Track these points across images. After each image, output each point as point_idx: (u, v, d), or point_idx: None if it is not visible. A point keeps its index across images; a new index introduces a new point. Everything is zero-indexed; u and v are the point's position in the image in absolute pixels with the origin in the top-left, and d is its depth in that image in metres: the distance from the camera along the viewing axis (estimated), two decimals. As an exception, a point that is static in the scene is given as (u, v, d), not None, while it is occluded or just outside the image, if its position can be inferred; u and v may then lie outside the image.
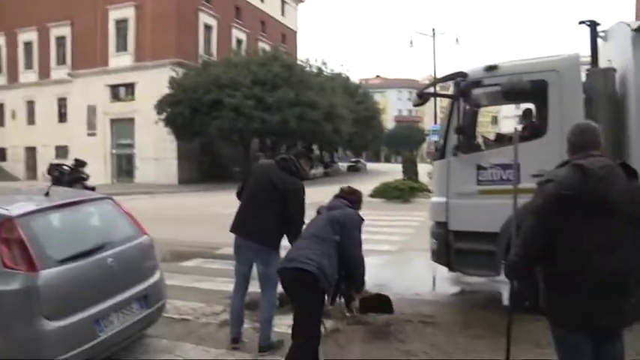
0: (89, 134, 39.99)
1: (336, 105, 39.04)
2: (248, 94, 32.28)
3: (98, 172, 38.36)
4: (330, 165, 52.99)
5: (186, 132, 34.01)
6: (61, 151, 39.52)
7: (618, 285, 2.80)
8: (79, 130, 40.08)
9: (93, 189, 8.48)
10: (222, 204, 14.98)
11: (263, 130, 33.69)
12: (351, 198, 4.59)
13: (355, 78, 59.77)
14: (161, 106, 34.15)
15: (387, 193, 21.18)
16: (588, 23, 5.94)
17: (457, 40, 37.76)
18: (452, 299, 7.01)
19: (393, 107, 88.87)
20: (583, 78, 6.02)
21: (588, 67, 6.12)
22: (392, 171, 34.58)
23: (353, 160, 61.93)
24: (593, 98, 5.81)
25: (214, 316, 6.00)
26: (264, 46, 45.25)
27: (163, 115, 34.31)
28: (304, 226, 4.61)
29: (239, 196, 5.18)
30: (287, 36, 54.01)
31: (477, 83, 6.10)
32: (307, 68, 41.81)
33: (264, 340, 4.91)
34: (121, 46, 39.82)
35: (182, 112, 32.80)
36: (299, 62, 41.99)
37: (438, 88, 7.87)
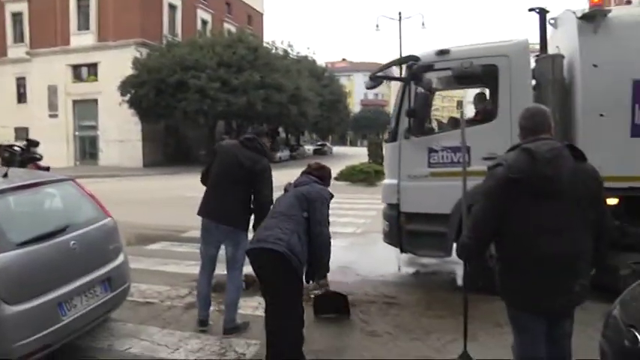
0: (51, 115, 38.91)
1: (302, 88, 38.98)
2: (213, 76, 31.93)
3: (61, 155, 37.52)
4: (296, 148, 52.92)
5: (150, 114, 33.48)
6: (21, 132, 38.26)
7: (567, 267, 2.86)
8: (39, 111, 38.92)
9: (47, 169, 8.29)
10: (187, 187, 14.86)
11: (229, 112, 33.43)
12: (320, 174, 4.49)
13: (321, 61, 59.83)
14: (125, 87, 33.49)
15: (353, 176, 21.40)
16: (537, 10, 6.08)
17: (423, 24, 38.00)
18: (415, 280, 7.14)
19: (359, 91, 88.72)
20: (533, 64, 6.17)
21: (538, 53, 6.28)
22: (358, 154, 34.74)
23: (319, 143, 61.93)
24: (541, 83, 5.98)
25: (179, 299, 5.98)
26: (229, 27, 44.68)
27: (127, 97, 33.67)
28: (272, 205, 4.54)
29: (204, 180, 5.13)
30: (253, 18, 53.36)
31: (429, 67, 6.18)
32: (273, 51, 41.52)
33: (229, 322, 4.93)
34: (83, 25, 38.68)
35: (146, 94, 32.25)
36: (265, 44, 41.63)
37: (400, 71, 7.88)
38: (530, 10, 6.12)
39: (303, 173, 4.52)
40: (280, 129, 52.17)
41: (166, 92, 32.10)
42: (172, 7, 40.97)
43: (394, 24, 35.61)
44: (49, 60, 38.45)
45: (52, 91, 38.81)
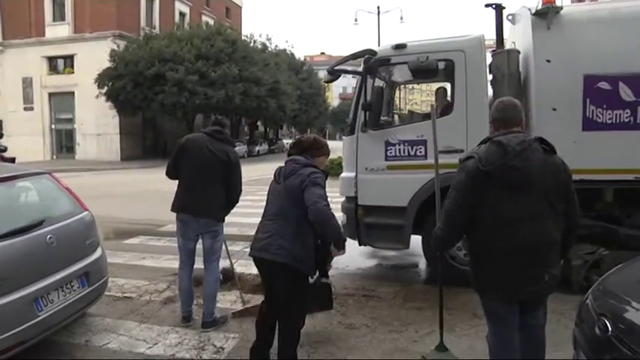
0: (26, 108, 38.21)
1: (281, 81, 38.87)
2: (191, 68, 31.70)
3: (37, 149, 36.99)
4: (274, 142, 52.76)
5: (128, 107, 33.12)
6: (-5, 125, 37.70)
7: (538, 256, 2.96)
8: (14, 104, 38.19)
9: (12, 160, 8.15)
10: (165, 181, 14.64)
11: (207, 105, 33.19)
12: (300, 149, 3.97)
13: (300, 55, 59.52)
14: (102, 79, 33.06)
15: (331, 170, 21.36)
16: (493, 6, 6.19)
17: (402, 18, 37.83)
18: (394, 273, 7.19)
19: (338, 84, 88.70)
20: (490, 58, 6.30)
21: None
22: (336, 148, 34.30)
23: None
24: (497, 78, 6.09)
25: (158, 294, 5.96)
26: (207, 20, 44.32)
27: (105, 89, 33.25)
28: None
29: (171, 174, 5.11)
30: (231, 10, 52.97)
31: (386, 61, 6.28)
32: (252, 44, 41.29)
33: (208, 315, 4.93)
34: (58, 16, 38.00)
35: (124, 87, 31.89)
36: (243, 38, 41.38)
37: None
38: (487, 5, 6.25)
39: (287, 160, 3.95)
40: (259, 123, 51.99)
41: (144, 85, 31.79)
42: (150, -1, 40.51)
43: (373, 18, 35.72)
44: (23, 51, 37.71)
45: (27, 83, 38.09)
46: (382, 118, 6.86)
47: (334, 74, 6.83)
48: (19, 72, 37.83)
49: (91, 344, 4.63)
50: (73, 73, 37.23)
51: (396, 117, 7.79)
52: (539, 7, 5.67)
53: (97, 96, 33.53)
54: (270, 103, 36.87)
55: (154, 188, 16.77)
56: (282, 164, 3.92)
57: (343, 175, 6.69)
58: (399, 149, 6.15)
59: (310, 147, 3.96)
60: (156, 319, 5.17)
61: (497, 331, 3.20)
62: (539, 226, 2.94)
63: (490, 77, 6.20)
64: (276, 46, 49.26)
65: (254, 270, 6.77)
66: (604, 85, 5.50)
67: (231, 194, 4.93)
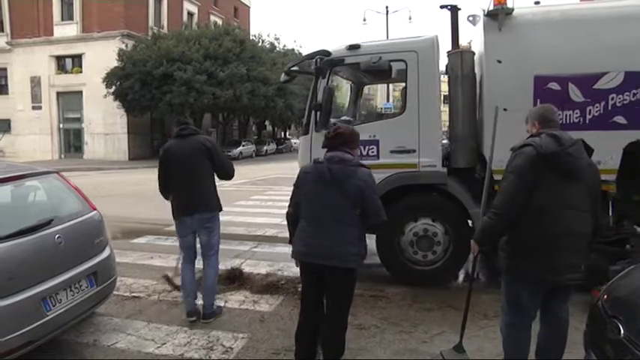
0: (34, 107, 38.33)
1: (289, 81, 38.67)
2: (199, 68, 31.67)
3: (45, 148, 37.17)
4: (282, 142, 52.79)
5: (136, 106, 33.15)
6: (3, 124, 37.80)
7: (579, 244, 3.19)
8: (22, 103, 38.36)
9: None
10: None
11: (214, 105, 33.20)
12: (341, 141, 3.78)
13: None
14: (110, 79, 33.13)
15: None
16: (449, 7, 6.23)
17: (410, 17, 37.91)
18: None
19: (345, 84, 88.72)
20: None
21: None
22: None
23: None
24: (451, 79, 6.14)
25: (166, 293, 5.96)
26: (216, 19, 44.35)
27: (112, 89, 33.33)
28: (310, 198, 3.77)
29: (163, 189, 5.24)
30: (239, 10, 53.00)
31: (340, 61, 6.30)
32: (260, 44, 41.29)
33: (208, 307, 5.08)
34: (67, 15, 38.08)
35: (132, 86, 31.93)
36: (251, 37, 41.39)
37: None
38: (442, 7, 6.32)
39: (328, 158, 3.73)
40: (267, 122, 52.00)
41: (152, 84, 31.80)
42: (158, -1, 40.59)
43: (382, 18, 35.68)
44: (32, 51, 37.85)
45: (36, 82, 38.21)
46: (345, 117, 6.95)
47: (290, 75, 6.96)
48: (27, 71, 37.97)
49: (99, 344, 4.63)
50: (81, 72, 37.31)
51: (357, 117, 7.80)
52: (491, 8, 5.71)
53: (105, 95, 33.60)
54: (277, 103, 36.83)
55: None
56: (321, 159, 3.78)
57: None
58: None
59: (350, 139, 3.84)
60: (164, 319, 5.17)
61: (514, 322, 3.43)
62: (579, 215, 3.18)
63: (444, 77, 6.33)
64: (284, 45, 49.23)
65: (262, 270, 6.85)
66: (554, 85, 5.55)
67: (224, 170, 5.11)
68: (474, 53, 6.11)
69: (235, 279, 6.31)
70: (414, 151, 5.95)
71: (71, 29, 37.62)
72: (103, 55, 34.03)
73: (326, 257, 3.62)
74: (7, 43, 39.10)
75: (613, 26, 5.49)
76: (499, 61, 5.68)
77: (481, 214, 4.16)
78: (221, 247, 7.01)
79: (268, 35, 46.03)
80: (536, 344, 3.62)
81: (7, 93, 39.87)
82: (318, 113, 6.18)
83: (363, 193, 3.60)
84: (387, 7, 35.64)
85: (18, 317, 3.68)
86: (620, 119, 5.41)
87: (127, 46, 34.60)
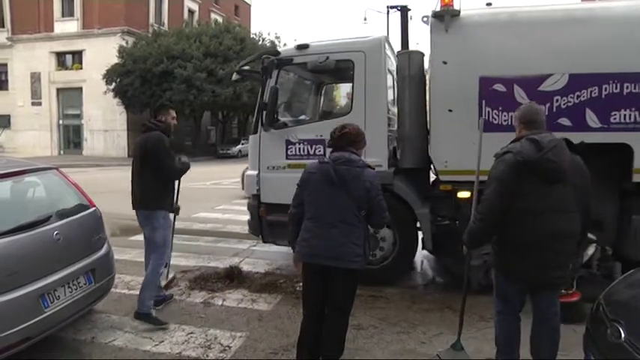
0: (34, 103, 38.31)
1: (289, 79, 38.65)
2: (199, 66, 31.64)
3: (44, 144, 37.12)
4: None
5: (136, 103, 33.11)
6: (3, 120, 37.75)
7: (564, 245, 3.27)
8: (22, 98, 38.33)
9: None
10: (173, 178, 14.75)
11: (214, 103, 33.18)
12: (348, 141, 3.74)
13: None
14: (110, 75, 33.11)
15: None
16: (399, 8, 6.20)
17: (411, 17, 37.69)
18: (400, 274, 7.14)
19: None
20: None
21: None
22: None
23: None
24: (399, 79, 6.18)
25: (164, 291, 5.93)
26: (216, 17, 44.33)
27: (112, 86, 33.31)
28: (316, 198, 3.71)
29: None
30: (240, 8, 52.96)
31: (288, 61, 6.37)
32: (260, 42, 41.24)
33: (140, 305, 4.89)
34: (67, 11, 38.05)
35: (132, 83, 31.91)
36: (252, 36, 41.35)
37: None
38: (391, 7, 6.32)
39: (334, 159, 3.69)
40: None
41: (152, 82, 31.78)
42: (159, -4, 40.54)
43: (382, 17, 35.65)
44: (32, 47, 37.83)
45: (36, 78, 38.19)
46: (302, 117, 7.04)
47: (241, 74, 7.02)
48: (27, 67, 37.96)
49: (97, 341, 4.61)
50: (81, 68, 37.29)
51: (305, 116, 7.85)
52: (438, 9, 5.72)
53: (105, 92, 33.60)
54: (277, 102, 36.80)
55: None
56: (326, 159, 3.75)
57: (247, 173, 6.79)
58: (299, 148, 6.28)
59: (356, 139, 3.80)
60: (162, 317, 5.13)
61: (502, 310, 3.60)
62: (566, 217, 3.24)
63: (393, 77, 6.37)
64: (285, 44, 49.28)
65: (261, 268, 6.85)
66: (499, 87, 5.55)
67: (164, 178, 5.03)
68: (423, 54, 6.11)
69: (234, 277, 6.31)
70: None
71: (72, 25, 37.60)
72: (103, 52, 34.03)
73: (331, 258, 3.59)
74: (7, 38, 39.09)
75: (559, 29, 5.51)
76: (444, 62, 5.68)
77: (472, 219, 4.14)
78: (220, 245, 7.01)
79: (269, 34, 45.97)
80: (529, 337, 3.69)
81: (7, 89, 39.89)
82: (264, 112, 6.28)
83: (369, 194, 3.59)
84: (387, 7, 35.62)
85: (16, 313, 3.66)
86: (564, 121, 5.42)
87: (127, 43, 34.59)
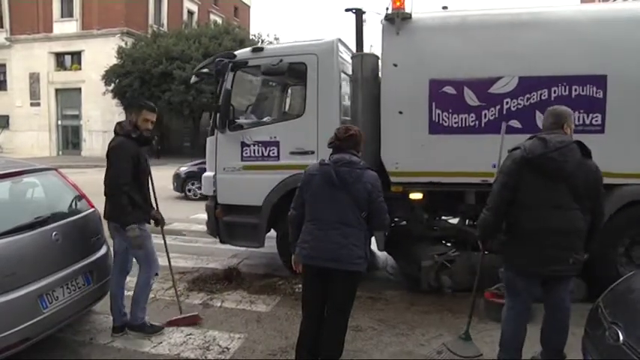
0: (32, 104, 38.21)
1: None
2: (199, 67, 31.60)
3: (43, 144, 37.03)
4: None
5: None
6: (1, 120, 37.69)
7: (562, 240, 3.42)
8: (20, 99, 38.24)
9: None
10: (168, 178, 14.74)
11: (213, 104, 33.10)
12: (352, 143, 3.74)
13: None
14: (109, 76, 33.06)
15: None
16: (354, 11, 6.29)
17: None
18: (400, 276, 7.15)
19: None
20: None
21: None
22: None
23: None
24: (353, 81, 6.20)
25: (162, 292, 5.94)
26: (215, 18, 44.31)
27: (111, 86, 33.26)
28: (313, 200, 3.71)
29: None
30: (240, 10, 52.91)
31: (243, 64, 6.48)
32: (259, 44, 41.26)
33: (132, 318, 4.70)
34: (66, 12, 37.96)
35: (131, 84, 31.83)
36: (251, 37, 41.37)
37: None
38: (347, 10, 6.37)
39: (335, 160, 3.67)
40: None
41: (151, 83, 31.71)
42: (158, -3, 40.52)
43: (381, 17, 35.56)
44: (31, 47, 37.73)
45: (34, 79, 38.10)
46: (266, 119, 7.08)
47: (199, 76, 7.09)
48: (26, 67, 37.85)
49: (95, 342, 4.61)
50: (80, 69, 37.22)
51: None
52: (389, 12, 5.76)
53: (104, 93, 33.52)
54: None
55: (159, 186, 16.74)
56: (327, 161, 3.69)
57: (205, 174, 6.84)
58: (254, 150, 6.38)
59: (360, 140, 3.80)
60: (161, 318, 5.14)
61: (512, 305, 3.68)
62: (564, 214, 3.41)
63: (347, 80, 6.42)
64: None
65: (260, 270, 6.84)
66: (449, 89, 5.59)
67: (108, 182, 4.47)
68: (377, 57, 6.13)
69: (232, 279, 6.31)
70: (313, 152, 6.04)
71: (71, 26, 37.53)
72: (102, 53, 33.95)
73: (332, 260, 3.58)
74: (6, 39, 39.00)
75: (509, 32, 5.56)
76: (395, 65, 5.71)
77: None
78: (219, 246, 7.00)
79: (268, 35, 45.92)
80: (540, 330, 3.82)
81: (5, 89, 39.78)
82: (218, 115, 6.40)
83: (370, 196, 3.59)
84: (387, 9, 35.60)
85: (15, 314, 3.66)
86: (515, 123, 5.43)
87: (126, 43, 34.54)
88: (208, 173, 6.69)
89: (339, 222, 3.58)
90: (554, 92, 5.38)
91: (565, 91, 5.35)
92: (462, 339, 4.43)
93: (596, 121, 4.90)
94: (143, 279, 4.68)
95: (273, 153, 6.25)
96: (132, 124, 4.68)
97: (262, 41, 42.92)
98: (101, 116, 35.94)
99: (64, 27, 37.55)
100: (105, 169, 4.55)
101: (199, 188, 11.99)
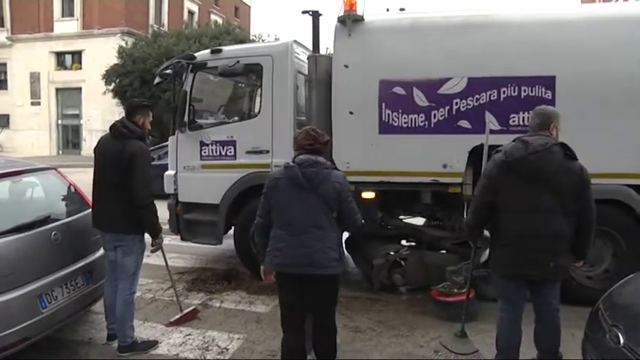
0: (33, 103, 38.19)
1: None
2: (200, 67, 31.59)
3: (43, 144, 37.00)
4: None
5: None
6: (2, 119, 37.63)
7: (541, 243, 3.38)
8: (21, 98, 38.22)
9: None
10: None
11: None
12: (323, 144, 3.66)
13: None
14: (109, 76, 33.03)
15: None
16: (310, 13, 6.33)
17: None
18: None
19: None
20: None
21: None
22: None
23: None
24: (307, 82, 6.28)
25: (162, 292, 5.95)
26: (216, 18, 44.31)
27: (112, 86, 33.23)
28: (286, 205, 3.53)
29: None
30: (240, 10, 52.89)
31: (202, 65, 6.65)
32: (260, 44, 41.25)
33: (121, 339, 4.39)
34: (67, 12, 37.96)
35: (131, 84, 31.78)
36: (252, 37, 41.35)
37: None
38: (304, 12, 6.41)
39: (305, 153, 3.59)
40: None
41: (151, 82, 31.65)
42: (159, -3, 40.52)
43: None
44: (32, 46, 37.72)
45: (35, 78, 38.08)
46: (216, 119, 7.21)
47: (162, 77, 7.18)
48: (26, 67, 37.83)
49: (94, 342, 4.62)
50: (80, 69, 37.20)
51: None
52: (341, 14, 5.81)
53: (104, 92, 33.48)
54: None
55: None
56: (292, 163, 3.56)
57: (167, 172, 6.91)
58: (212, 149, 6.51)
59: (327, 142, 3.71)
60: (160, 318, 5.15)
61: (503, 308, 3.66)
62: (544, 217, 3.36)
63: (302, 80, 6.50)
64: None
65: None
66: (399, 90, 5.64)
67: (134, 209, 4.19)
68: (331, 58, 6.17)
69: (232, 279, 6.31)
70: (268, 151, 6.20)
71: (71, 26, 37.53)
72: (102, 52, 33.91)
73: (307, 265, 3.41)
74: (7, 38, 38.99)
75: (459, 34, 5.60)
76: (346, 66, 5.78)
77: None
78: (218, 247, 6.98)
79: (268, 35, 45.62)
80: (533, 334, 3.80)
81: (6, 88, 39.71)
82: (176, 115, 6.54)
83: (340, 195, 3.48)
84: (387, 9, 35.58)
85: (14, 313, 3.66)
86: (464, 123, 5.49)
87: (127, 43, 34.52)
88: (170, 172, 6.80)
89: (311, 225, 3.43)
90: (504, 93, 5.42)
91: (514, 91, 5.39)
92: (458, 336, 4.46)
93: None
94: (126, 297, 4.34)
95: (230, 152, 6.39)
96: (139, 126, 4.48)
97: (263, 41, 42.98)
98: (101, 116, 35.87)
99: (65, 26, 37.55)
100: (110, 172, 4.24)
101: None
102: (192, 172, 6.59)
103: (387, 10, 6.34)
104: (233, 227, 6.62)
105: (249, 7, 56.05)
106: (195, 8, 44.75)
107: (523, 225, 3.38)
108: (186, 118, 6.60)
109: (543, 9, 5.77)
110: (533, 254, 3.40)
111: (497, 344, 3.75)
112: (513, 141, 3.55)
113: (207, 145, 6.50)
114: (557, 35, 5.37)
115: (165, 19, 40.76)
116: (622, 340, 2.74)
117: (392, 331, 4.90)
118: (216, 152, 6.47)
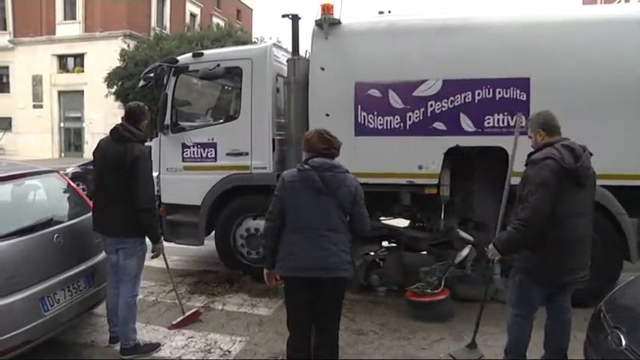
0: (35, 106, 38.26)
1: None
2: (201, 69, 31.61)
3: (45, 146, 37.06)
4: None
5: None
6: (4, 122, 37.67)
7: (587, 246, 3.54)
8: (23, 101, 38.31)
9: None
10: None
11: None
12: (335, 148, 3.61)
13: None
14: (111, 78, 33.08)
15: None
16: (290, 17, 6.36)
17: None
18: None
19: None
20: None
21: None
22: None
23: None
24: (286, 84, 6.30)
25: (164, 295, 5.94)
26: (218, 21, 44.36)
27: (114, 89, 33.28)
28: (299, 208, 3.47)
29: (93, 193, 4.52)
30: (242, 12, 52.97)
31: (184, 69, 6.72)
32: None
33: (123, 342, 4.38)
34: (69, 14, 38.05)
35: (133, 87, 31.80)
36: (254, 40, 41.39)
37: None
38: (284, 16, 6.44)
39: (315, 154, 3.55)
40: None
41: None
42: (161, 0, 40.57)
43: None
44: (34, 49, 37.81)
45: (37, 81, 38.16)
46: (198, 121, 7.23)
47: (147, 80, 7.23)
48: (29, 70, 37.91)
49: (96, 344, 4.62)
50: (82, 71, 37.27)
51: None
52: (318, 17, 5.88)
53: (107, 95, 33.51)
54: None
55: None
56: (306, 166, 3.48)
57: None
58: (193, 151, 6.60)
59: (339, 146, 3.65)
60: (162, 321, 5.15)
61: (519, 313, 3.66)
62: (585, 220, 3.50)
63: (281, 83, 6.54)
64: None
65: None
66: (374, 92, 5.71)
67: (136, 214, 4.18)
68: (309, 61, 6.21)
69: (234, 282, 6.30)
70: (247, 153, 6.30)
71: (73, 29, 37.61)
72: (104, 55, 33.98)
73: (321, 269, 3.39)
74: (9, 41, 39.07)
75: (434, 37, 5.65)
76: (322, 69, 5.85)
77: (499, 224, 4.25)
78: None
79: (270, 38, 45.47)
80: (543, 335, 3.85)
81: (8, 91, 39.77)
82: (157, 117, 6.62)
83: (354, 199, 3.48)
84: (389, 11, 35.58)
85: (16, 316, 3.66)
86: (439, 125, 5.54)
87: (129, 46, 34.56)
88: (153, 173, 6.79)
89: (327, 229, 3.41)
90: (478, 95, 5.46)
91: (489, 93, 5.43)
92: (469, 349, 4.40)
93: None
94: (128, 299, 4.35)
95: (211, 154, 6.47)
96: (141, 129, 4.43)
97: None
98: (103, 118, 35.90)
99: (67, 29, 37.63)
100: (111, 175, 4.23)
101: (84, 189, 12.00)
102: (174, 173, 6.67)
103: (381, 12, 6.40)
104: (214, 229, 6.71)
105: (251, 9, 56.11)
106: (197, 11, 44.82)
107: (572, 231, 3.42)
108: (167, 121, 6.71)
109: (521, 12, 5.83)
110: (581, 258, 3.53)
111: (508, 348, 3.75)
112: (546, 145, 3.51)
113: (189, 147, 6.59)
114: (532, 38, 5.42)
115: (167, 22, 40.83)
116: (624, 342, 2.75)
117: (394, 334, 4.90)
118: (197, 154, 6.56)
